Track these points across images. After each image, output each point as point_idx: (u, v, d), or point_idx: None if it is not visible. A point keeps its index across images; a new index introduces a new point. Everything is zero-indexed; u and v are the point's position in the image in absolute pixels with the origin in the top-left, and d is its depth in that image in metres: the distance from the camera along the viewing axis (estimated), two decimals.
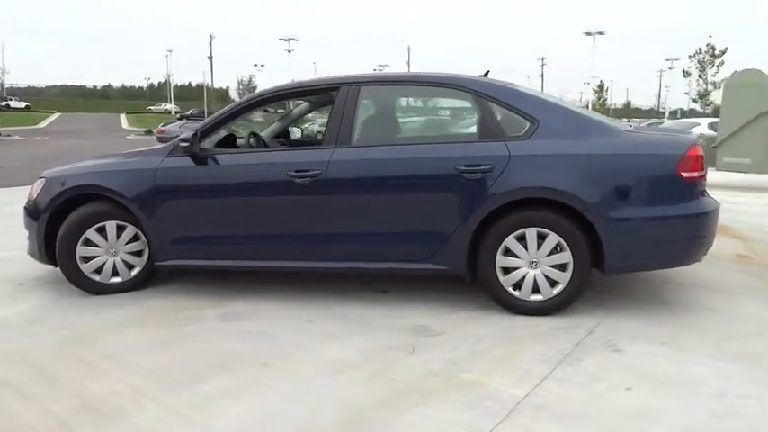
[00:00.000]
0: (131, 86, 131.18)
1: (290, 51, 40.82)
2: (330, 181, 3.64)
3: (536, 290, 3.56)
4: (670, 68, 59.31)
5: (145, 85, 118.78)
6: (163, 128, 30.15)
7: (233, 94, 76.61)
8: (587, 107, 49.87)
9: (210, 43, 70.71)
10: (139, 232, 4.03)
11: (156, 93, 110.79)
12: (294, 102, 4.71)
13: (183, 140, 3.77)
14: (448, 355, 3.05)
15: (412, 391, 2.66)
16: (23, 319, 3.66)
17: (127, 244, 4.06)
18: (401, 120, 4.11)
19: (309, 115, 5.50)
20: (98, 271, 4.05)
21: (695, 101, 34.77)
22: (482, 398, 2.60)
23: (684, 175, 3.42)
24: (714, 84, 33.80)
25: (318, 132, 6.00)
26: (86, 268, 4.02)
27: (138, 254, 4.11)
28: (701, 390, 2.64)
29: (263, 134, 4.68)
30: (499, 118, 3.62)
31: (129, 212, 3.96)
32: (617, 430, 2.33)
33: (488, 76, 4.12)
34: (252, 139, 4.35)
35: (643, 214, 3.42)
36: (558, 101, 3.85)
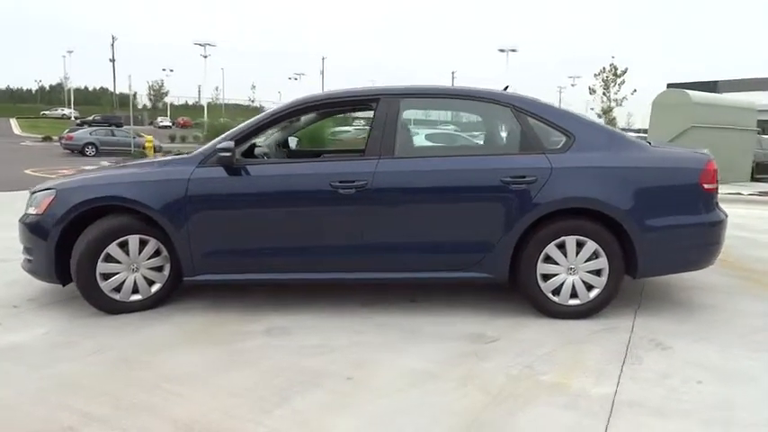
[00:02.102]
0: (18, 89, 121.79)
1: (205, 57, 39.54)
2: (376, 191, 3.65)
3: (573, 295, 3.75)
4: (572, 85, 63.54)
5: (35, 88, 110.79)
6: (71, 134, 28.12)
7: (143, 100, 73.07)
8: None
9: (113, 45, 67.22)
10: (161, 246, 3.84)
11: (49, 96, 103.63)
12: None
13: (223, 150, 3.64)
14: (518, 360, 3.15)
15: (508, 396, 2.74)
16: (48, 344, 3.38)
17: (149, 259, 3.85)
18: (442, 131, 4.19)
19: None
20: (117, 289, 3.81)
21: (600, 116, 37.47)
22: (575, 398, 2.72)
23: (705, 186, 3.74)
24: (616, 101, 36.82)
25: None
26: (106, 286, 3.77)
27: (159, 269, 3.90)
28: (765, 380, 2.90)
29: (273, 144, 4.59)
30: (537, 132, 3.79)
31: (153, 225, 3.76)
32: (714, 421, 2.53)
33: (507, 90, 4.29)
34: (277, 149, 4.26)
35: (670, 222, 3.70)
36: (587, 116, 4.07)
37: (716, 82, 52.20)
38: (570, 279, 3.74)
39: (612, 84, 36.67)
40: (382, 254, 3.74)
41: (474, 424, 2.49)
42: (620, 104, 36.54)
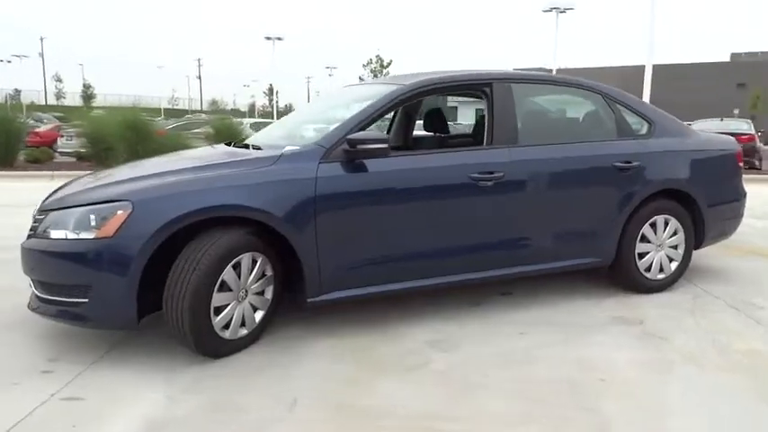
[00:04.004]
0: None
1: None
2: (512, 182, 3.46)
3: (660, 270, 4.05)
4: (330, 75, 65.77)
5: None
6: None
7: None
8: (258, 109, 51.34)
9: None
10: (268, 265, 3.08)
11: None
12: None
13: (373, 141, 3.05)
14: (694, 336, 3.30)
15: (753, 369, 2.89)
16: (205, 409, 2.48)
17: (257, 282, 3.06)
18: (551, 118, 4.06)
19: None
20: (226, 325, 2.95)
21: None
22: None
23: (740, 165, 4.36)
24: None
25: None
26: (218, 323, 2.89)
27: (260, 293, 3.13)
28: None
29: None
30: (628, 118, 3.97)
31: (262, 239, 3.00)
32: None
33: None
34: None
35: (723, 197, 4.24)
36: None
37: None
38: (658, 255, 4.03)
39: (380, 74, 39.20)
40: (516, 248, 3.56)
41: None
42: None
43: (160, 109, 65.45)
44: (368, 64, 39.13)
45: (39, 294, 2.96)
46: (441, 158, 3.43)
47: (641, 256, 3.97)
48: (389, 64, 39.09)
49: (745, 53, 47.03)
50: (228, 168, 3.05)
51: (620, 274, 4.01)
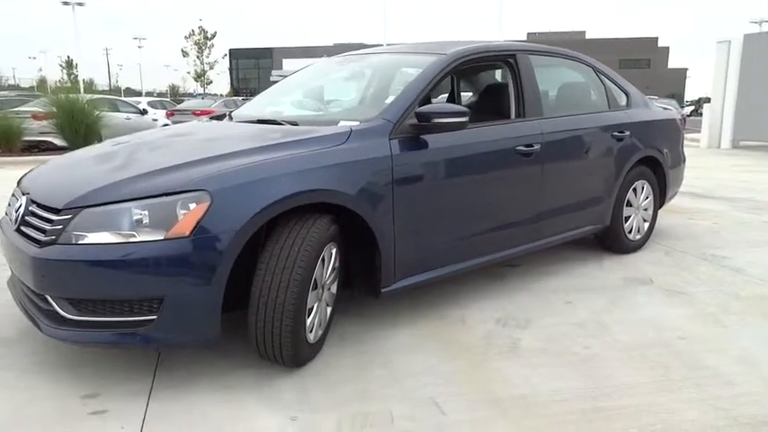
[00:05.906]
0: None
1: None
2: (544, 155, 3.47)
3: (637, 231, 4.40)
4: (140, 47, 60.03)
5: None
6: None
7: None
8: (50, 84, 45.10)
9: None
10: (338, 257, 2.76)
11: None
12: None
13: (457, 114, 2.81)
14: (711, 289, 3.62)
15: None
16: (364, 424, 2.14)
17: (331, 274, 2.71)
18: (560, 90, 4.02)
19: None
20: (310, 327, 2.58)
21: (196, 79, 37.03)
22: None
23: (682, 130, 4.87)
24: (209, 64, 36.88)
25: None
26: (308, 327, 2.51)
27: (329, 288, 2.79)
28: None
29: None
30: (612, 90, 4.20)
31: (338, 228, 2.68)
32: None
33: None
34: None
35: (677, 161, 4.71)
36: None
37: (272, 49, 57.97)
38: (637, 218, 4.37)
39: (204, 47, 36.68)
40: (547, 219, 3.60)
41: None
42: (212, 67, 36.96)
43: None
44: (190, 36, 36.45)
45: (69, 316, 2.30)
46: (492, 132, 3.30)
47: (626, 219, 4.27)
48: (214, 36, 36.86)
49: (539, 33, 52.89)
50: (296, 148, 2.61)
51: (611, 238, 4.27)
